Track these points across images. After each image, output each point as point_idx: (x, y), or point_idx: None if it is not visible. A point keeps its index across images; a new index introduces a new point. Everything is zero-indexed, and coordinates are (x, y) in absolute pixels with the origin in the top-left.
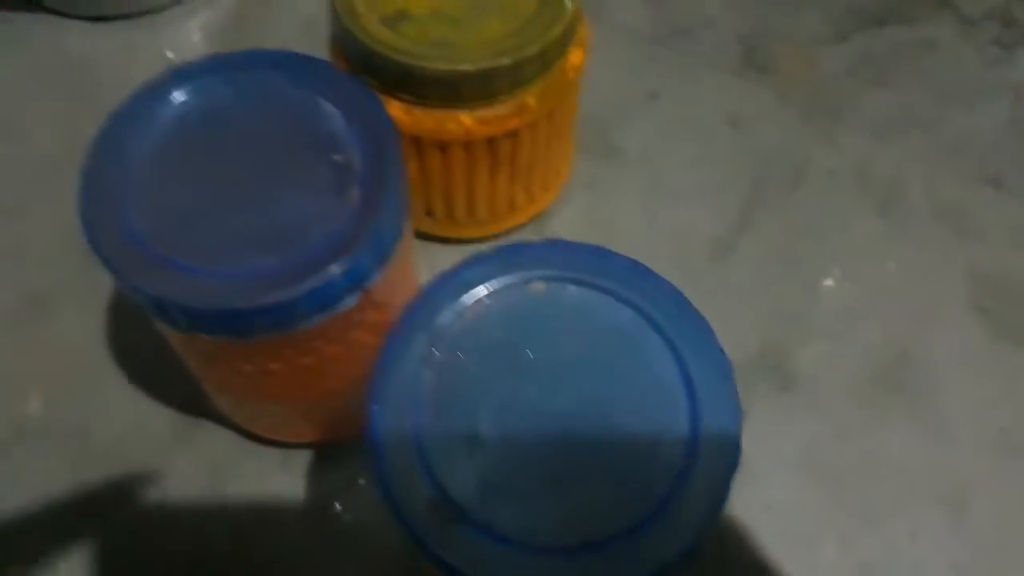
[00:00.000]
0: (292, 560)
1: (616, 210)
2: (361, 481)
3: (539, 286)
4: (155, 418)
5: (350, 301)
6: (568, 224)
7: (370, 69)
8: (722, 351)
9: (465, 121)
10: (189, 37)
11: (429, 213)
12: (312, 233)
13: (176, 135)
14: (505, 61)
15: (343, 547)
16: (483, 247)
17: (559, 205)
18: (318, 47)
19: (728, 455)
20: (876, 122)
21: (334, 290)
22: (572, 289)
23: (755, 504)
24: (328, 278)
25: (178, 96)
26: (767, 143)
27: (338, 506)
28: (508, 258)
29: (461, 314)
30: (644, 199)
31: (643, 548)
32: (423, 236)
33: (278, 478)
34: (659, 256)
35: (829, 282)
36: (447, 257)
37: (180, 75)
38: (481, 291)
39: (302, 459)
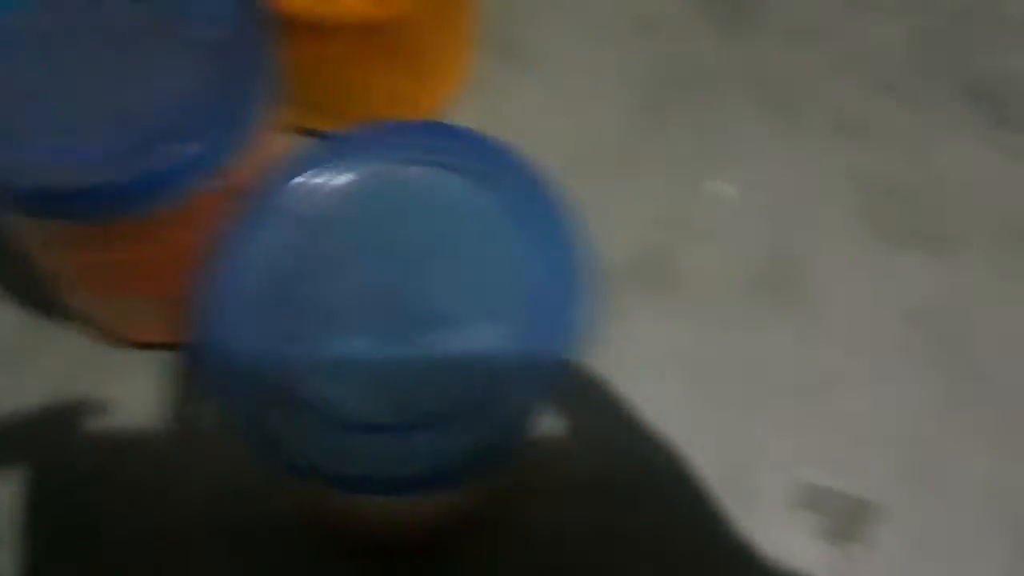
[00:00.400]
0: (138, 464)
1: (514, 110)
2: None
3: (399, 168)
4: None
5: (202, 183)
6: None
7: None
8: (574, 241)
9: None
10: None
11: (303, 104)
12: (166, 112)
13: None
14: None
15: (191, 450)
16: None
17: (454, 106)
18: None
19: (562, 340)
20: (785, 28)
21: (183, 169)
22: (431, 172)
23: (631, 400)
24: (177, 156)
25: None
26: (673, 47)
27: (189, 409)
28: (367, 140)
29: (313, 196)
30: (543, 100)
31: (472, 426)
32: (299, 130)
33: (128, 381)
34: (554, 157)
35: (720, 185)
36: None
37: None
38: (336, 173)
39: (157, 362)
